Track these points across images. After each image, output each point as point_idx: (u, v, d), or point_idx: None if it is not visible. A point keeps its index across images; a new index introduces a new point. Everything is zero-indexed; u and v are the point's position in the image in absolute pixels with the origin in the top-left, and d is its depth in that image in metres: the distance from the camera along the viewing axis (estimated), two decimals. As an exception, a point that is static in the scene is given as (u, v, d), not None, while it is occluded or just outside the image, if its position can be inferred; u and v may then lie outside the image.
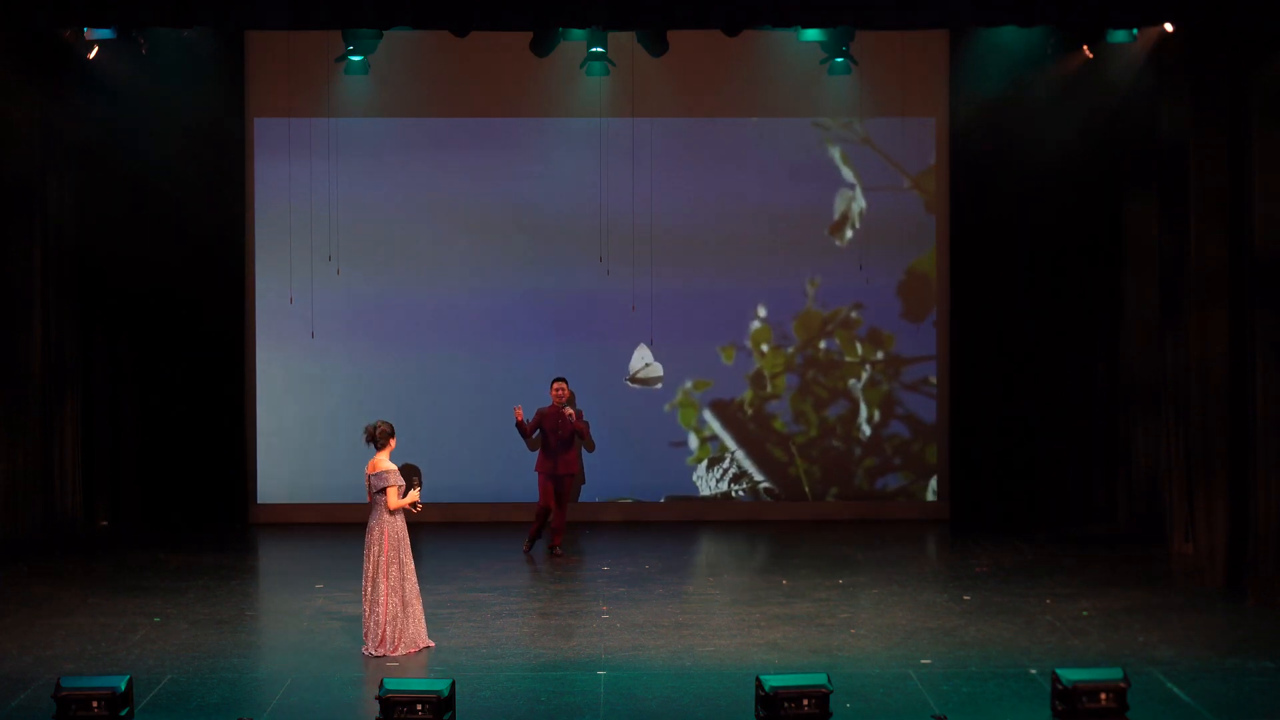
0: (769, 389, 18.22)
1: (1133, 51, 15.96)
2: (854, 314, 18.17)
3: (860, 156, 18.04)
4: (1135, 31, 15.33)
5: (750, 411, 18.18)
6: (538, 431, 15.92)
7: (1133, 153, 16.80)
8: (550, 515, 15.99)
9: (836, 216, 18.09)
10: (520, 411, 15.84)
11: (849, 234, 18.10)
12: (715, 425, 18.22)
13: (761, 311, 18.16)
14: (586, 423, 16.11)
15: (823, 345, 18.21)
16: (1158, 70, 15.69)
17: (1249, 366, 13.91)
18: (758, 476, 18.19)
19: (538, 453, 16.08)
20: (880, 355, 18.18)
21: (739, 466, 18.23)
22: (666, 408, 18.14)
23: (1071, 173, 17.25)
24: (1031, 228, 17.55)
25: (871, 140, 17.95)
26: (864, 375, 18.14)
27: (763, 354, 18.19)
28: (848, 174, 18.07)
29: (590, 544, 16.72)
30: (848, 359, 18.19)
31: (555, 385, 15.95)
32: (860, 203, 18.06)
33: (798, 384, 18.20)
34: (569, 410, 15.81)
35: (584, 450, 16.88)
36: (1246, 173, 13.82)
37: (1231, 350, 14.34)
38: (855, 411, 18.18)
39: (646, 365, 17.84)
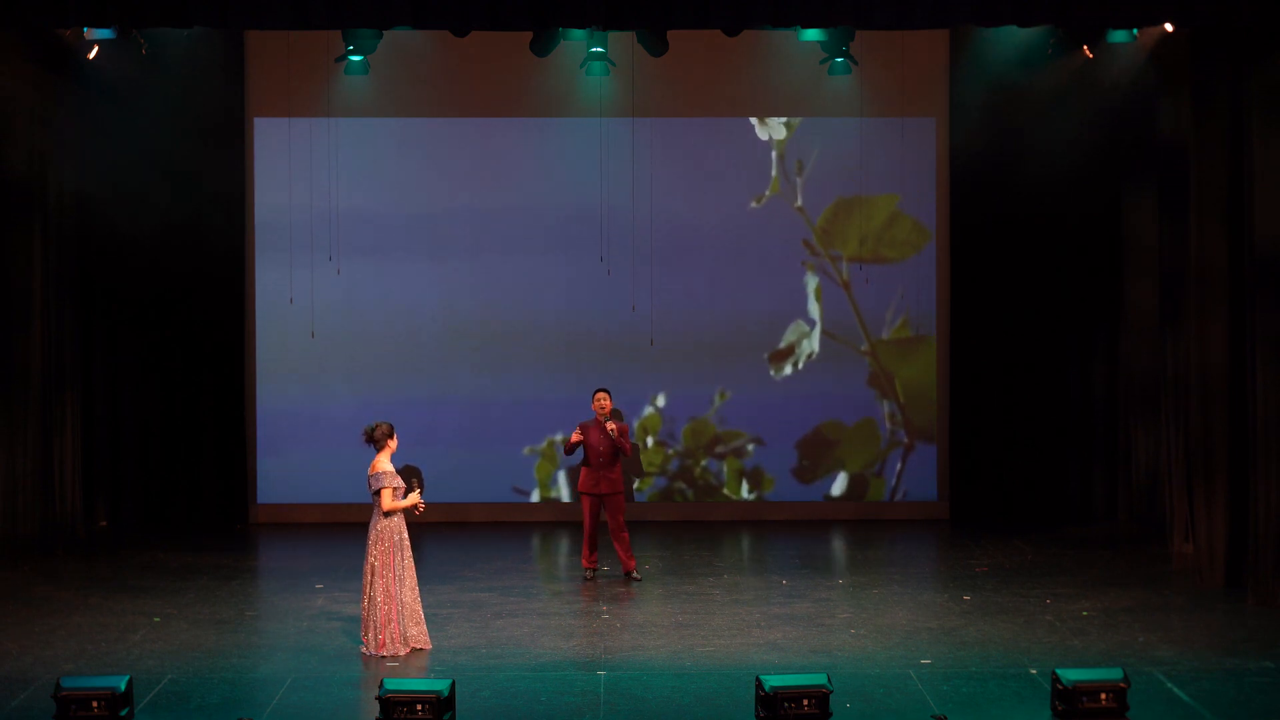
0: (636, 485, 17.65)
1: (1133, 51, 15.96)
2: (750, 447, 17.74)
3: (833, 298, 17.52)
4: (1135, 31, 15.33)
5: None
6: (579, 448, 14.70)
7: (1133, 153, 16.81)
8: (610, 537, 14.82)
9: (782, 345, 17.64)
10: (578, 434, 14.60)
11: (787, 370, 17.57)
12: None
13: (660, 400, 17.70)
14: (635, 444, 15.49)
15: (705, 463, 17.72)
16: (1158, 70, 15.69)
17: (1249, 367, 13.91)
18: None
19: (580, 470, 14.84)
20: (754, 496, 17.71)
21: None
22: (526, 451, 17.80)
23: (1071, 173, 17.24)
24: (1031, 228, 17.54)
25: (850, 286, 17.51)
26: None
27: (645, 446, 17.57)
28: (814, 310, 17.60)
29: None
30: (726, 491, 17.63)
31: (597, 396, 14.65)
32: (814, 345, 17.55)
33: (663, 486, 17.73)
34: (612, 425, 14.49)
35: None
36: (1246, 173, 13.81)
37: (1231, 350, 14.34)
38: None
39: None
